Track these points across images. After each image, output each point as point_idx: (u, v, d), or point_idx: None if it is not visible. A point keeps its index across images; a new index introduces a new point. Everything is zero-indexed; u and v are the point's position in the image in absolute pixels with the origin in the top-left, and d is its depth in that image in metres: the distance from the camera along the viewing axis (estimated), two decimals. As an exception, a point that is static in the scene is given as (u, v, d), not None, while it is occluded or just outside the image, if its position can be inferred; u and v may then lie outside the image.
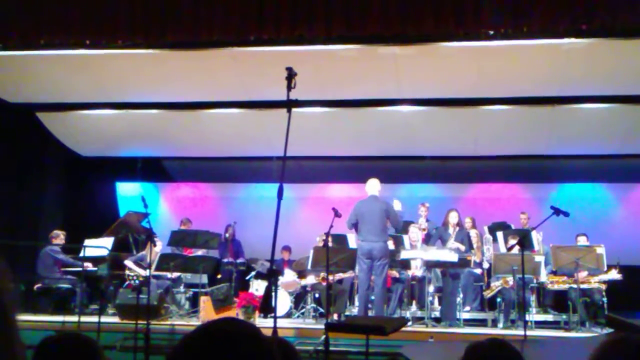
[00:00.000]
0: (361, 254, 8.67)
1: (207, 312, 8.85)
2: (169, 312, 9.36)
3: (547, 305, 9.88)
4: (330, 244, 7.41)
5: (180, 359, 1.37)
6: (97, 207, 12.71)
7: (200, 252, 10.55)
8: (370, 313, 8.75)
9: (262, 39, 8.13)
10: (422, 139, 11.44)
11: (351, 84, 9.60)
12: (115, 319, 8.97)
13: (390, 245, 9.28)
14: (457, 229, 9.58)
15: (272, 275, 4.38)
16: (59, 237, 10.11)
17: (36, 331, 7.02)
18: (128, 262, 9.96)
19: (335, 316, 9.16)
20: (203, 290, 9.50)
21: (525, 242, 7.32)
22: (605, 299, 8.78)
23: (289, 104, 4.44)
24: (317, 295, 9.74)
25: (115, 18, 8.19)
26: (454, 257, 8.78)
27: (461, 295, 9.31)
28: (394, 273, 9.27)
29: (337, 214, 6.86)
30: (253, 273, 10.66)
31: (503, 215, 10.99)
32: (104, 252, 9.77)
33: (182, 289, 10.22)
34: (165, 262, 9.46)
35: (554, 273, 9.25)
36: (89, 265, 9.90)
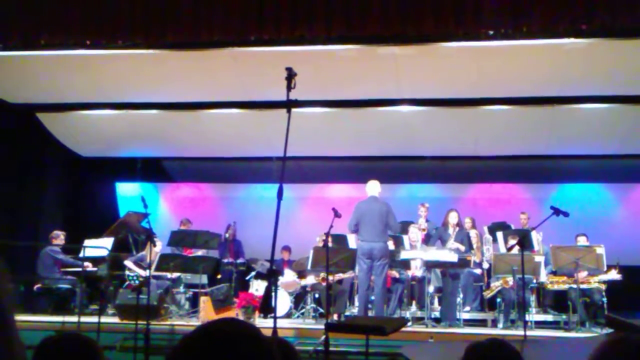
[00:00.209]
0: (361, 254, 8.68)
1: (207, 312, 8.85)
2: (168, 312, 9.36)
3: (547, 306, 9.89)
4: (330, 244, 7.41)
5: (180, 359, 1.37)
6: (97, 208, 12.71)
7: (200, 253, 10.56)
8: (370, 313, 8.75)
9: (262, 39, 8.12)
10: (422, 139, 11.44)
11: (351, 84, 9.60)
12: (115, 319, 8.98)
13: (390, 245, 9.29)
14: (457, 229, 9.57)
15: (272, 276, 4.38)
16: (59, 237, 10.12)
17: (36, 331, 7.02)
18: (128, 263, 9.96)
19: (335, 316, 9.16)
20: (203, 290, 9.51)
21: (525, 242, 7.32)
22: (605, 299, 8.78)
23: (288, 104, 4.44)
24: (317, 296, 9.74)
25: (116, 18, 8.18)
26: (453, 258, 8.78)
27: (461, 296, 9.31)
28: (394, 273, 9.27)
29: (337, 214, 6.85)
30: (253, 273, 10.66)
31: (503, 215, 10.99)
32: (103, 253, 9.77)
33: (182, 289, 10.22)
34: (165, 262, 9.46)
35: (554, 273, 9.25)
36: (88, 266, 9.90)
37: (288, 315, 9.84)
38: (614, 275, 8.77)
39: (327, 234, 6.97)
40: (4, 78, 9.95)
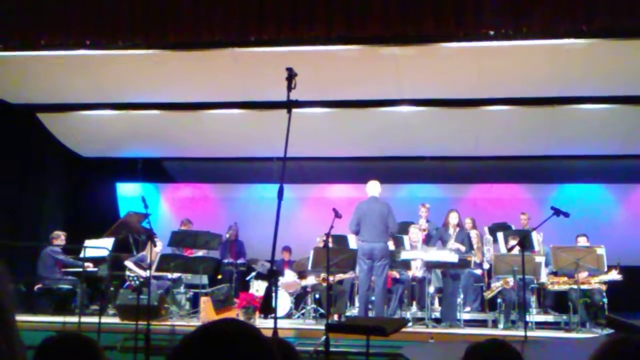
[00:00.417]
0: (362, 255, 8.68)
1: (207, 312, 8.85)
2: (169, 312, 9.36)
3: (548, 306, 9.89)
4: (330, 245, 7.41)
5: (180, 359, 1.37)
6: (98, 208, 12.71)
7: (200, 253, 10.56)
8: (370, 314, 8.75)
9: (262, 40, 8.13)
10: (422, 139, 11.43)
11: (351, 85, 9.60)
12: (116, 320, 8.98)
13: (391, 245, 9.28)
14: (458, 229, 9.57)
15: (272, 276, 4.38)
16: (60, 237, 10.12)
17: (37, 332, 7.03)
18: (128, 263, 9.96)
19: (335, 317, 9.17)
20: (203, 290, 9.51)
21: (525, 242, 7.32)
22: (605, 300, 8.77)
23: (289, 105, 4.44)
24: (317, 296, 9.74)
25: (116, 18, 8.19)
26: (454, 258, 8.78)
27: (461, 296, 9.31)
28: (395, 274, 9.27)
29: (337, 215, 6.85)
30: (253, 274, 10.66)
31: (503, 215, 11.00)
32: (104, 253, 9.77)
33: (182, 289, 10.22)
34: (165, 262, 9.46)
35: (555, 274, 9.25)
36: (89, 266, 9.91)
37: (288, 315, 9.84)
38: (615, 275, 8.77)
39: (327, 235, 6.96)
40: (4, 78, 9.96)
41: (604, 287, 8.82)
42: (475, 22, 7.59)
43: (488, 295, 9.28)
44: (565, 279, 9.05)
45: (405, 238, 9.93)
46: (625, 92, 9.61)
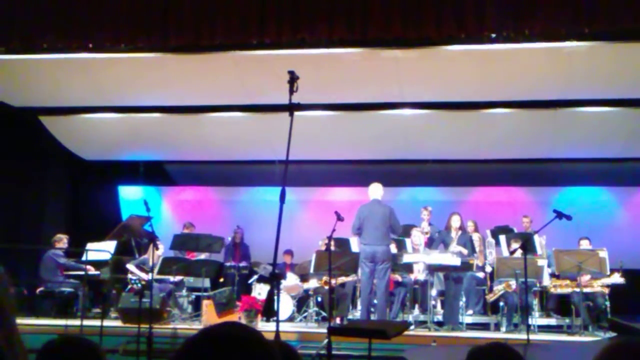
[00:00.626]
0: (364, 258, 8.67)
1: (209, 315, 8.84)
2: (171, 315, 9.36)
3: (550, 309, 9.87)
4: (332, 248, 7.41)
5: (182, 363, 1.36)
6: (100, 211, 12.71)
7: (202, 256, 10.56)
8: (372, 317, 8.74)
9: (264, 43, 8.14)
10: (424, 142, 11.43)
11: (353, 88, 9.61)
12: (118, 323, 8.97)
13: (393, 249, 9.27)
14: (460, 232, 9.56)
15: (274, 279, 4.38)
16: (62, 241, 10.11)
17: (39, 335, 7.03)
18: (130, 266, 9.96)
19: (337, 320, 9.15)
20: (205, 294, 9.51)
21: (527, 245, 7.31)
22: (608, 303, 8.76)
23: (291, 108, 4.45)
24: (319, 299, 9.73)
25: (118, 22, 8.21)
26: (456, 261, 8.77)
27: (464, 299, 9.30)
28: (397, 277, 9.26)
29: (339, 218, 6.86)
30: (255, 277, 10.65)
31: (505, 218, 10.98)
32: (106, 256, 9.77)
33: (184, 292, 10.22)
34: (167, 265, 9.45)
35: (557, 277, 9.23)
36: (91, 269, 9.90)
37: (290, 318, 9.82)
38: (617, 278, 8.75)
39: (329, 238, 6.96)
40: (6, 81, 9.98)
41: (606, 290, 8.81)
42: (477, 24, 7.59)
43: (490, 298, 9.26)
44: (568, 282, 9.03)
45: (408, 241, 9.92)
46: (627, 95, 9.61)
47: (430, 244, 10.02)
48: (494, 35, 7.81)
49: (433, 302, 9.21)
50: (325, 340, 5.90)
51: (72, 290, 9.90)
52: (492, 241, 10.21)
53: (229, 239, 11.40)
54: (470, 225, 10.11)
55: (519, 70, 8.96)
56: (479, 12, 7.55)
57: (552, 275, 9.31)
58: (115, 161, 12.92)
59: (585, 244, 9.36)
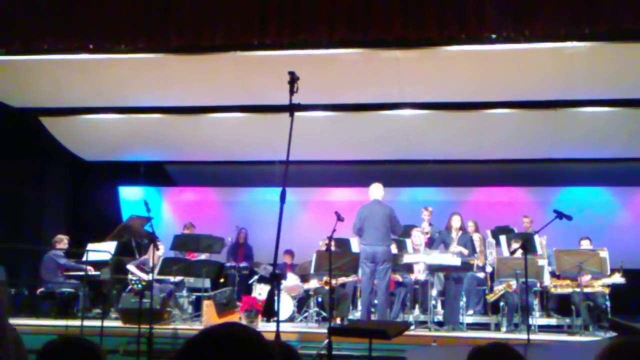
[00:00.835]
0: (364, 258, 8.67)
1: (209, 316, 8.84)
2: (171, 316, 9.35)
3: (551, 309, 9.87)
4: (333, 248, 7.41)
5: (182, 363, 1.37)
6: (100, 212, 12.71)
7: (203, 256, 10.56)
8: (373, 317, 8.74)
9: (264, 43, 8.14)
10: (424, 142, 11.43)
11: (354, 88, 9.61)
12: (118, 323, 8.97)
13: (393, 249, 9.27)
14: (460, 232, 9.56)
15: (275, 279, 4.37)
16: (62, 241, 10.12)
17: (39, 335, 7.04)
18: (131, 267, 9.96)
19: (338, 320, 9.15)
20: (206, 294, 9.51)
21: (528, 246, 7.31)
22: (608, 303, 8.76)
23: (291, 108, 4.45)
24: (319, 299, 9.72)
25: (118, 22, 8.20)
26: (456, 261, 8.76)
27: (464, 299, 9.30)
28: (397, 277, 9.26)
29: (339, 218, 6.85)
30: (256, 277, 10.65)
31: (506, 219, 10.98)
32: (106, 257, 9.77)
33: (184, 293, 10.22)
34: (168, 266, 9.46)
35: (557, 277, 9.23)
36: (91, 270, 9.90)
37: (291, 319, 9.82)
38: (618, 278, 8.75)
39: (330, 238, 6.96)
40: (7, 82, 9.98)
41: (606, 290, 8.81)
42: (478, 25, 7.59)
43: (491, 298, 9.26)
44: (568, 282, 9.03)
45: (408, 241, 9.92)
46: (628, 95, 9.61)
47: (430, 244, 10.02)
48: (494, 36, 7.81)
49: (433, 302, 9.21)
50: (326, 341, 5.90)
51: (73, 291, 9.90)
52: (493, 241, 10.22)
53: (229, 239, 11.39)
54: (470, 226, 10.11)
55: (520, 70, 8.96)
56: (480, 12, 7.54)
57: (553, 274, 9.30)
58: (116, 162, 12.92)
59: (585, 244, 9.36)
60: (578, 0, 7.45)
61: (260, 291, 9.99)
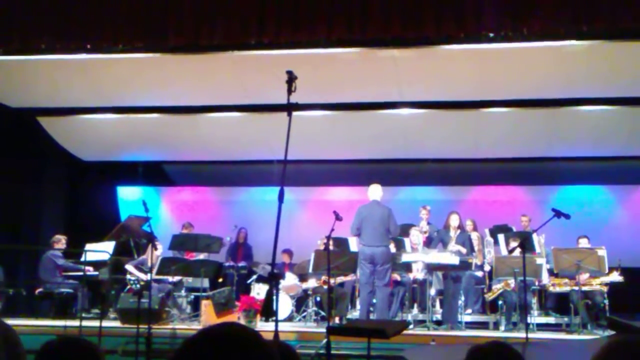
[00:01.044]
0: (363, 259, 8.67)
1: (208, 316, 8.84)
2: (170, 316, 9.36)
3: (549, 308, 9.88)
4: (331, 247, 7.41)
5: (181, 363, 1.37)
6: (98, 212, 12.70)
7: (201, 256, 10.55)
8: (371, 316, 8.74)
9: (263, 43, 8.12)
10: (422, 141, 11.43)
11: (352, 87, 9.61)
12: (117, 324, 8.96)
13: (392, 248, 9.28)
14: (458, 231, 9.57)
15: (273, 279, 4.37)
16: (61, 241, 10.11)
17: (37, 335, 7.04)
18: (129, 267, 9.95)
19: (336, 319, 9.16)
20: (204, 294, 9.50)
21: (526, 244, 7.31)
22: (606, 301, 8.77)
23: (289, 108, 4.44)
24: (318, 299, 9.73)
25: (116, 22, 8.19)
26: (455, 260, 8.77)
27: (462, 298, 9.31)
28: (396, 276, 9.26)
29: (338, 217, 6.85)
30: (254, 277, 10.65)
31: (504, 217, 10.99)
32: (105, 257, 9.77)
33: (183, 292, 10.22)
34: (166, 266, 9.45)
35: (555, 275, 9.24)
36: (90, 270, 9.90)
37: (289, 318, 9.83)
38: (616, 277, 8.76)
39: (328, 237, 6.96)
40: (4, 82, 9.97)
41: (605, 289, 8.82)
42: (476, 24, 7.58)
43: (489, 297, 9.27)
44: (567, 280, 9.04)
45: (406, 240, 9.93)
46: (626, 94, 9.61)
47: (429, 243, 10.03)
48: (492, 35, 7.80)
49: (432, 301, 9.21)
50: (324, 340, 5.89)
51: (71, 291, 9.90)
52: (491, 240, 10.22)
53: (228, 239, 11.39)
54: (469, 224, 10.12)
55: (518, 69, 8.96)
56: (478, 11, 7.54)
57: (551, 273, 9.31)
58: (114, 162, 12.91)
59: (584, 243, 9.36)
60: (576, -1, 7.46)
61: (259, 291, 9.98)
